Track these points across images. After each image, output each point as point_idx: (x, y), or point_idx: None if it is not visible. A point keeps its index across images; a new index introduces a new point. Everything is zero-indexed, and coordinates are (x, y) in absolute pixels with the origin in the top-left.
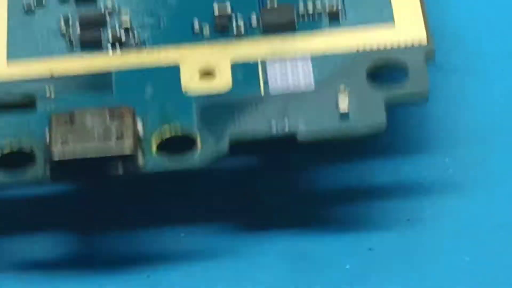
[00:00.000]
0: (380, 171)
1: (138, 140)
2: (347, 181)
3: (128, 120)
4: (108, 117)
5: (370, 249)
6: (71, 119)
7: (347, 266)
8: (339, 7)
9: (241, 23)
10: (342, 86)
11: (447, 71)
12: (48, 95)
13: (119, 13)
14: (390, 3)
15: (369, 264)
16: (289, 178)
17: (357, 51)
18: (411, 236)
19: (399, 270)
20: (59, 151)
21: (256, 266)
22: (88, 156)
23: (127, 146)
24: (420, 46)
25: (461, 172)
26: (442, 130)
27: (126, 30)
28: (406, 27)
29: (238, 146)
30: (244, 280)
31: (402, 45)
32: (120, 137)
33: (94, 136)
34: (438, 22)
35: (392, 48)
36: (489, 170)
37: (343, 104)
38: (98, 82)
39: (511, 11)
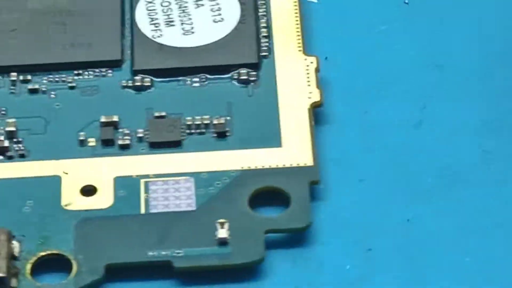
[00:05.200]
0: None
1: (12, 261)
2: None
3: (2, 241)
4: None
5: (369, 249)
6: None
7: (347, 267)
8: (226, 127)
9: (126, 137)
10: (222, 211)
11: None
12: None
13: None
14: (279, 126)
15: (369, 264)
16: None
17: (242, 172)
18: (411, 236)
19: (399, 270)
20: None
21: (256, 266)
22: None
23: None
24: (305, 173)
25: (461, 172)
26: None
27: (10, 139)
28: (293, 152)
29: None
30: (244, 279)
31: (288, 170)
32: None
33: None
34: None
35: (276, 173)
36: (488, 171)
37: (223, 230)
38: None
39: None
